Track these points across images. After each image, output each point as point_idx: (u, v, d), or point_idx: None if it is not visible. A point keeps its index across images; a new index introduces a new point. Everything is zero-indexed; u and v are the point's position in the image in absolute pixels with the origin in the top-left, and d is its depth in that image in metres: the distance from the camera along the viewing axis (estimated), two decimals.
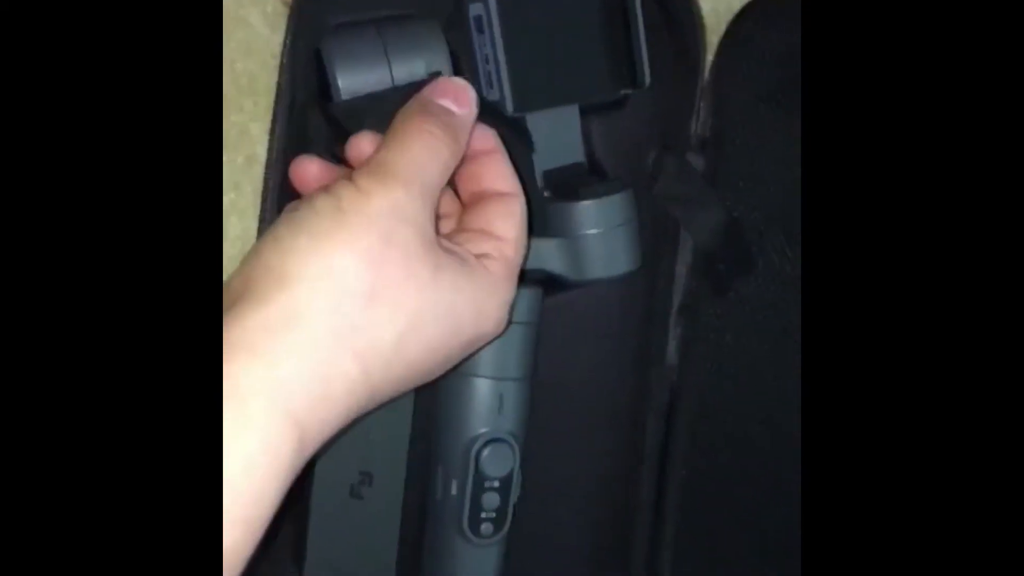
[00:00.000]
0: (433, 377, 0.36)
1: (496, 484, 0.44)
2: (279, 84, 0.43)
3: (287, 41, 0.42)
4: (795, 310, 0.51)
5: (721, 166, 0.49)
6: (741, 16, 0.49)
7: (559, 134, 0.46)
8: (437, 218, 0.36)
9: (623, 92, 0.46)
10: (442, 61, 0.42)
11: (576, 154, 0.47)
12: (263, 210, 0.44)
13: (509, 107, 0.42)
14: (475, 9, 0.42)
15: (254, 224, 0.44)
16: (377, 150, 0.35)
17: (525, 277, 0.45)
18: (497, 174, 0.40)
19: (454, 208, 0.41)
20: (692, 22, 0.47)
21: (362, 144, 0.38)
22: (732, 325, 0.51)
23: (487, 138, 0.40)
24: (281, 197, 0.43)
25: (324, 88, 0.42)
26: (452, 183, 0.40)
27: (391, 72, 0.41)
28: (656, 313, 0.49)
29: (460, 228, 0.40)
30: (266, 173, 0.43)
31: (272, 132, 0.43)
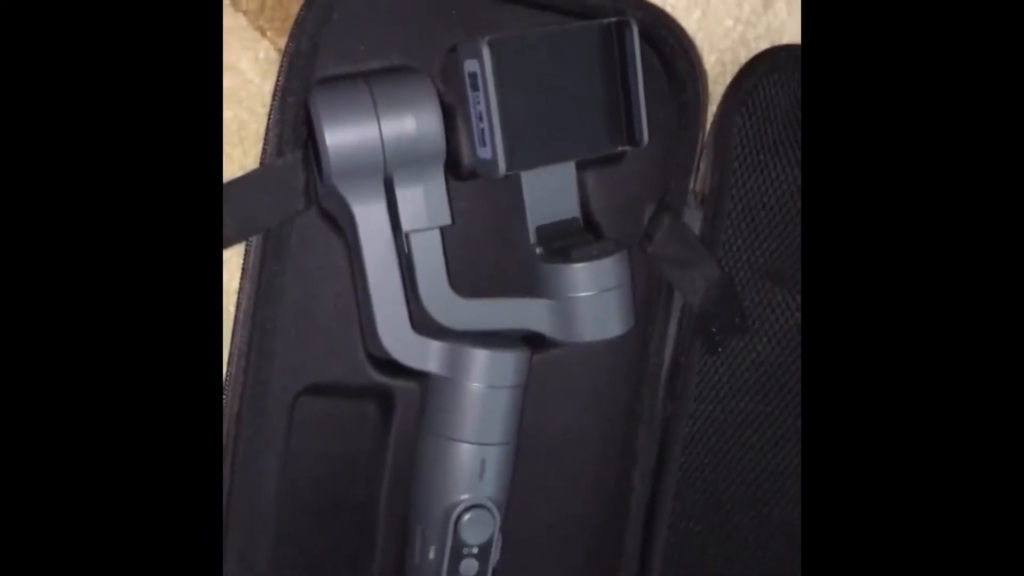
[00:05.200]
0: None
1: (475, 551, 0.43)
2: (266, 137, 0.42)
3: (276, 94, 0.41)
4: (791, 368, 0.50)
5: (719, 222, 0.48)
6: (745, 70, 0.48)
7: (554, 190, 0.45)
8: None
9: (620, 149, 0.45)
10: (432, 118, 0.41)
11: (571, 210, 0.45)
12: (245, 263, 0.43)
13: (501, 167, 0.41)
14: (470, 65, 0.41)
15: (237, 275, 0.43)
16: None
17: (513, 337, 0.44)
18: None
19: None
20: (693, 77, 0.46)
21: None
22: (724, 384, 0.50)
23: None
24: (264, 255, 0.42)
25: (312, 142, 0.41)
26: None
27: (380, 128, 0.40)
28: (647, 373, 0.48)
29: None
30: None
31: None
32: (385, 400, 0.45)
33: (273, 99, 0.41)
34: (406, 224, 0.42)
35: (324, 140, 0.40)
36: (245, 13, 0.43)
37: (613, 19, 0.43)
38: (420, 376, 0.44)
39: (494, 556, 0.44)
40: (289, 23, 0.42)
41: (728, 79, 0.49)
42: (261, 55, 0.44)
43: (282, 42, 0.42)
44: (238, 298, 0.43)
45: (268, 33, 0.44)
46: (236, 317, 0.43)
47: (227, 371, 0.43)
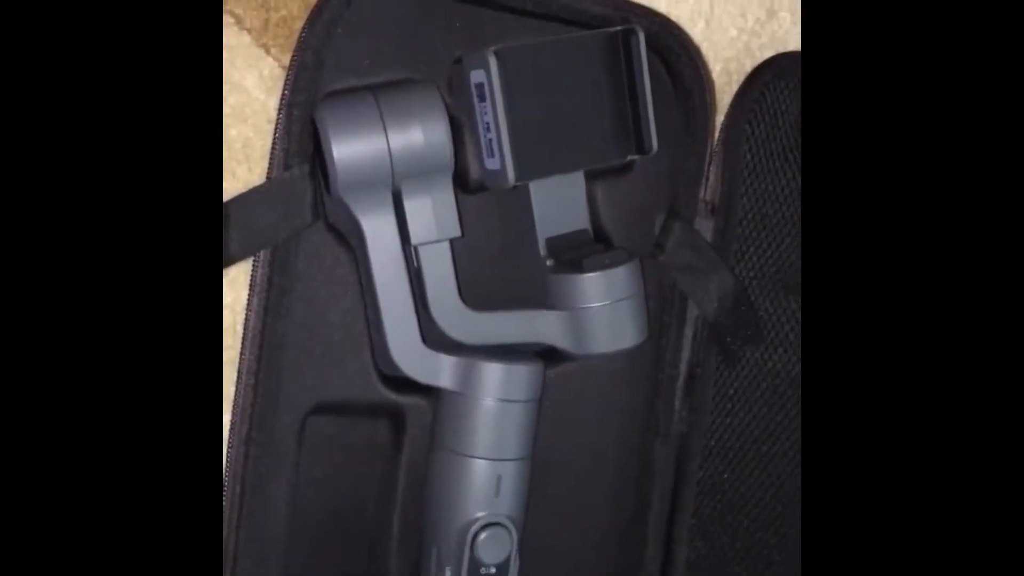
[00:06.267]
0: None
1: (492, 570, 0.42)
2: (272, 152, 0.41)
3: (281, 108, 0.41)
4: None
5: (730, 231, 0.47)
6: (751, 78, 0.48)
7: (563, 201, 0.44)
8: None
9: (629, 158, 0.44)
10: (440, 128, 0.40)
11: (581, 221, 0.45)
12: (253, 279, 0.42)
13: (510, 177, 0.41)
14: (476, 76, 0.41)
15: (244, 294, 0.43)
16: None
17: (526, 351, 0.44)
18: None
19: None
20: (700, 85, 0.46)
21: None
22: (740, 395, 0.49)
23: None
24: (271, 271, 0.41)
25: (319, 155, 0.41)
26: None
27: (387, 140, 0.40)
28: (662, 385, 0.47)
29: None
30: None
31: None
32: (396, 418, 0.44)
33: (279, 114, 0.41)
34: (415, 237, 0.41)
35: (331, 153, 0.39)
36: (249, 31, 0.43)
37: (619, 28, 0.43)
38: (431, 393, 0.43)
39: None
40: (293, 40, 0.41)
41: (733, 88, 0.48)
42: (266, 72, 0.43)
43: (286, 59, 0.42)
44: (245, 315, 0.42)
45: (272, 51, 0.43)
46: (244, 334, 0.42)
47: (236, 390, 0.42)
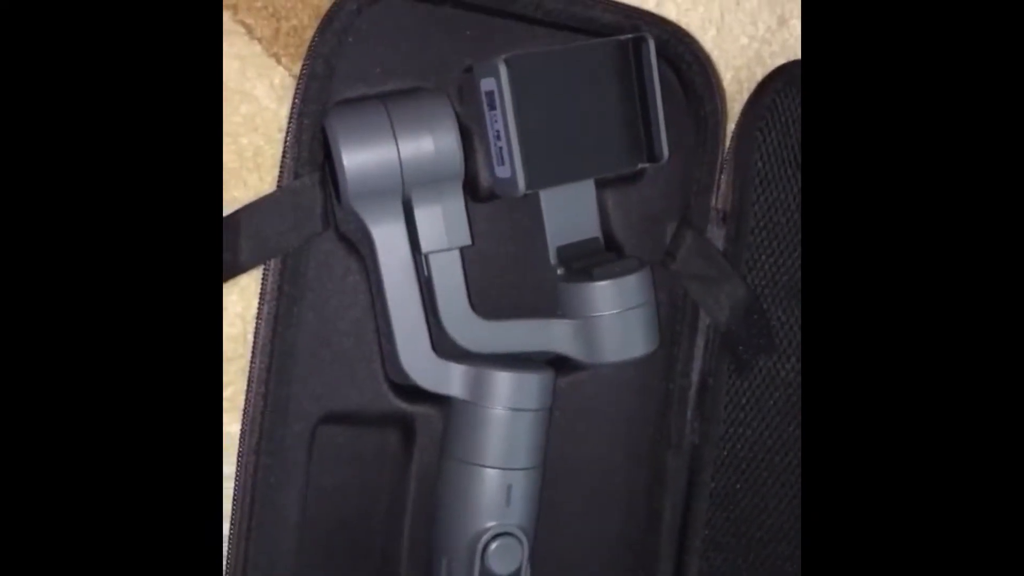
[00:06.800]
0: None
1: None
2: (282, 161, 0.41)
3: (291, 117, 0.41)
4: None
5: (742, 239, 0.47)
6: (763, 86, 0.48)
7: (573, 209, 0.44)
8: None
9: (640, 166, 0.44)
10: (450, 136, 0.40)
11: (592, 229, 0.45)
12: (263, 288, 0.42)
13: (521, 185, 0.41)
14: (487, 84, 0.41)
15: (254, 302, 0.43)
16: None
17: (536, 360, 0.43)
18: None
19: None
20: (711, 92, 0.46)
21: None
22: (752, 405, 0.48)
23: None
24: (281, 279, 0.41)
25: (329, 164, 0.41)
26: None
27: (398, 148, 0.40)
28: (674, 395, 0.47)
29: None
30: None
31: None
32: (406, 427, 0.44)
33: (289, 123, 0.41)
34: (425, 245, 0.41)
35: (341, 161, 0.39)
36: (260, 40, 0.43)
37: (630, 36, 0.43)
38: (441, 402, 0.43)
39: None
40: (303, 49, 0.42)
41: (745, 96, 0.48)
42: (276, 81, 0.43)
43: (297, 68, 0.42)
44: (256, 324, 0.42)
45: (283, 60, 0.44)
46: (254, 343, 0.42)
47: (246, 398, 0.42)
